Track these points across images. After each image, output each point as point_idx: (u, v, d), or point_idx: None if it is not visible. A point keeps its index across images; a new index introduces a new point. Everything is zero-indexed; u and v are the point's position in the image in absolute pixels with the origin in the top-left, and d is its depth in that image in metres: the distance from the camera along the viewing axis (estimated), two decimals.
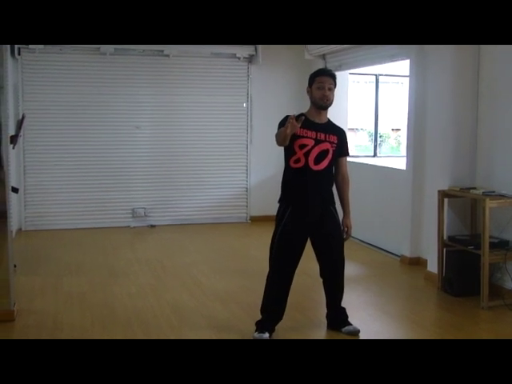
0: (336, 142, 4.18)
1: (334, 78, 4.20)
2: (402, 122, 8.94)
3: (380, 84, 9.11)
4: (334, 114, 4.57)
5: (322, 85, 4.13)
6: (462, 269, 5.42)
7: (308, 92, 4.24)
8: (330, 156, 4.15)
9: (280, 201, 4.24)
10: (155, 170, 8.74)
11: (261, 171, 9.00)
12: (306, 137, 4.09)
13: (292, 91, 8.72)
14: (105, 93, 8.42)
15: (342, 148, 4.26)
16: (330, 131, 4.15)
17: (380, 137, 11.39)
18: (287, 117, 4.11)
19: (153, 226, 8.64)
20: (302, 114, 4.05)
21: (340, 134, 4.25)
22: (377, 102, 8.97)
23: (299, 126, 3.95)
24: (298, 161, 4.10)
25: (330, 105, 4.19)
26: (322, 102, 4.14)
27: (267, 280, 4.28)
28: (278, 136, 4.04)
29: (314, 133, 4.11)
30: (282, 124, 4.06)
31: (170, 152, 8.77)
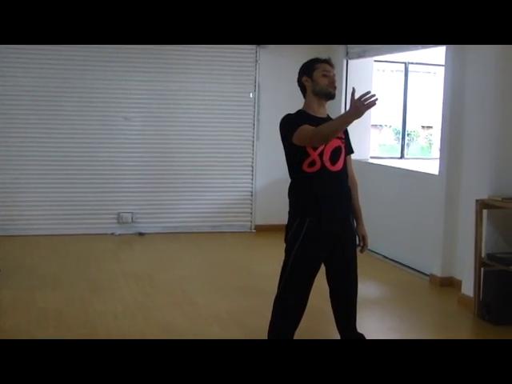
0: (343, 136, 4.16)
1: (333, 67, 4.21)
2: (435, 119, 8.94)
3: (409, 73, 9.13)
4: None
5: (327, 71, 4.10)
6: (502, 292, 5.40)
7: (306, 81, 4.19)
8: (343, 153, 4.14)
9: (292, 213, 4.19)
10: (145, 169, 8.75)
11: (269, 172, 8.99)
12: None
13: None
14: (90, 78, 8.44)
15: (348, 144, 4.26)
16: None
17: (408, 135, 11.41)
18: (290, 116, 4.08)
19: (141, 234, 8.65)
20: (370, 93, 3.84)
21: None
22: (405, 95, 8.98)
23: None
24: (313, 163, 4.07)
25: None
26: (331, 88, 4.11)
27: (277, 302, 4.24)
28: (324, 130, 3.83)
29: None
30: (293, 125, 4.01)
31: (163, 148, 8.79)
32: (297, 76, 4.26)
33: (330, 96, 4.14)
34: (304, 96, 4.22)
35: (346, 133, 4.21)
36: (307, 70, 4.17)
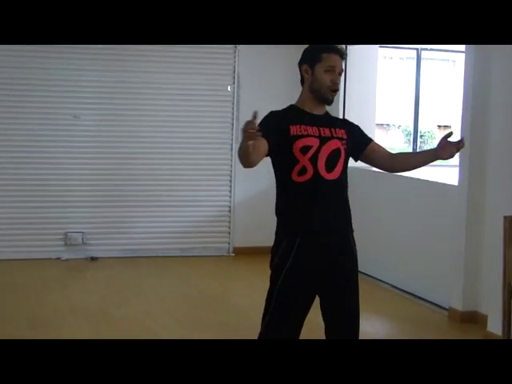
0: (346, 137, 4.15)
1: (344, 59, 4.19)
2: (454, 117, 8.97)
3: (422, 61, 9.17)
4: (355, 105, 4.55)
5: (332, 67, 4.07)
6: None
7: (306, 72, 4.17)
8: (342, 157, 4.13)
9: (279, 232, 4.18)
10: (99, 178, 8.73)
11: (250, 183, 9.01)
12: (307, 135, 4.04)
13: (295, 72, 8.61)
14: (29, 66, 8.42)
15: (364, 138, 4.26)
16: (334, 124, 4.10)
17: (421, 137, 11.49)
18: (270, 115, 4.06)
19: (94, 259, 8.62)
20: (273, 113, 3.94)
21: (349, 126, 4.22)
22: (417, 88, 9.03)
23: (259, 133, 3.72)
24: (303, 171, 4.06)
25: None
26: (329, 91, 4.09)
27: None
28: (240, 152, 3.91)
29: (315, 128, 4.07)
30: (266, 126, 3.97)
31: (121, 153, 8.78)
32: (284, 67, 4.24)
33: (326, 101, 4.13)
34: (302, 85, 4.21)
35: (354, 131, 4.19)
36: (310, 59, 4.13)
